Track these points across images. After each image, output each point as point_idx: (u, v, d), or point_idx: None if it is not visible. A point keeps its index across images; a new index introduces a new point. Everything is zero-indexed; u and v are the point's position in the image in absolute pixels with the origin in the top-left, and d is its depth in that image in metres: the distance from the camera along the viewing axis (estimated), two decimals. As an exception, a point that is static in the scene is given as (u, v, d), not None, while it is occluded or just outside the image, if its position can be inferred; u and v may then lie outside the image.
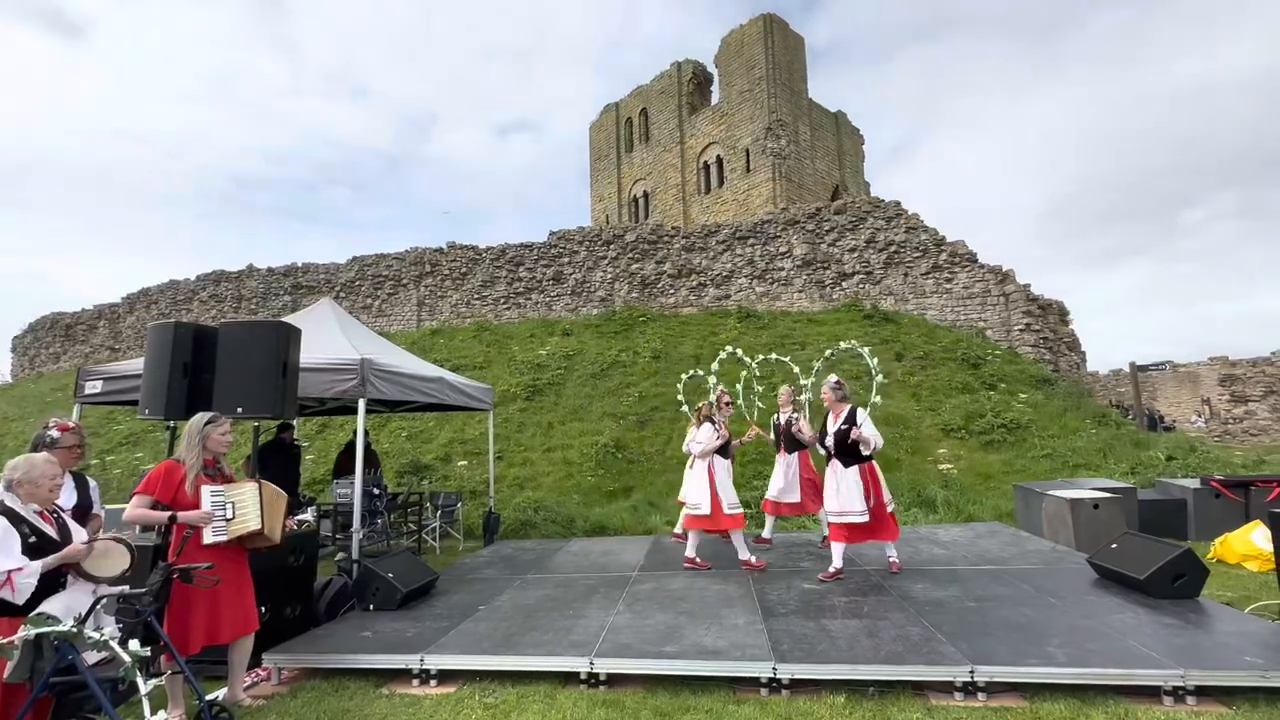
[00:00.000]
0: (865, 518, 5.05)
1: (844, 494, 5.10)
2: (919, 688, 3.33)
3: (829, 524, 5.33)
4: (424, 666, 3.73)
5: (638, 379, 14.14)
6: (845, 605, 4.45)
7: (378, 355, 5.90)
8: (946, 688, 3.29)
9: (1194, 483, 7.40)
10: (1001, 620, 3.99)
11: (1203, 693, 3.13)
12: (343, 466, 8.06)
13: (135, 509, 3.27)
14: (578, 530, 8.85)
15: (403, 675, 3.78)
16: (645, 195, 35.98)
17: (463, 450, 12.69)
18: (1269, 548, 5.42)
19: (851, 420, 5.13)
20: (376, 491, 7.13)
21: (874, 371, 5.18)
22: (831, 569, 5.13)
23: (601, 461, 11.28)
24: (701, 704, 3.28)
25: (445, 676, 3.74)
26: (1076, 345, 17.24)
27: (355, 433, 7.90)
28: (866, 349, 5.52)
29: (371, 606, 4.78)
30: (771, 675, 3.40)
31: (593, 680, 3.57)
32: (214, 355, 4.12)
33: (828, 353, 6.13)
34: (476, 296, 20.63)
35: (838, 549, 5.17)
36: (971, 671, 3.26)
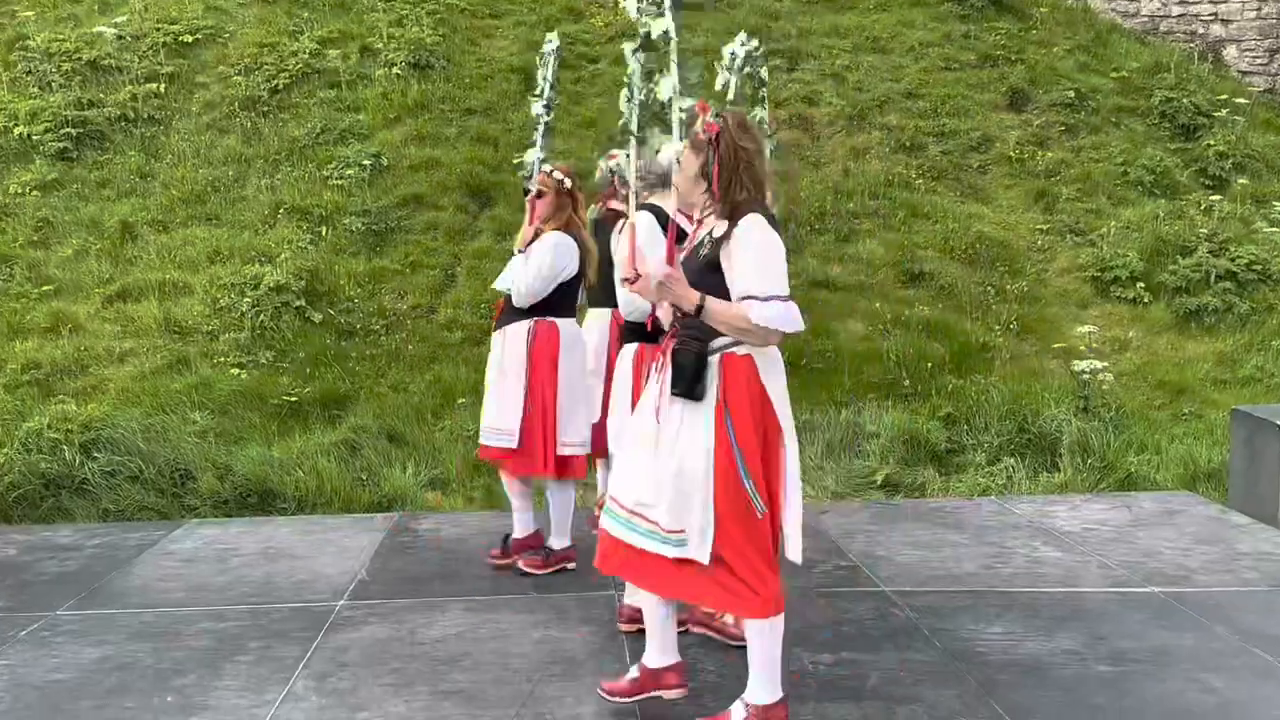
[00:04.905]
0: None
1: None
2: None
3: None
4: None
5: (371, 124, 8.11)
6: (829, 668, 2.83)
7: None
8: None
9: None
10: (1156, 706, 2.67)
11: None
12: None
13: None
14: (201, 499, 5.08)
15: None
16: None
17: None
18: None
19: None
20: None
21: None
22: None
23: (268, 331, 6.43)
24: None
25: None
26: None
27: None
28: None
29: None
30: None
31: None
32: None
33: None
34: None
35: None
36: None
